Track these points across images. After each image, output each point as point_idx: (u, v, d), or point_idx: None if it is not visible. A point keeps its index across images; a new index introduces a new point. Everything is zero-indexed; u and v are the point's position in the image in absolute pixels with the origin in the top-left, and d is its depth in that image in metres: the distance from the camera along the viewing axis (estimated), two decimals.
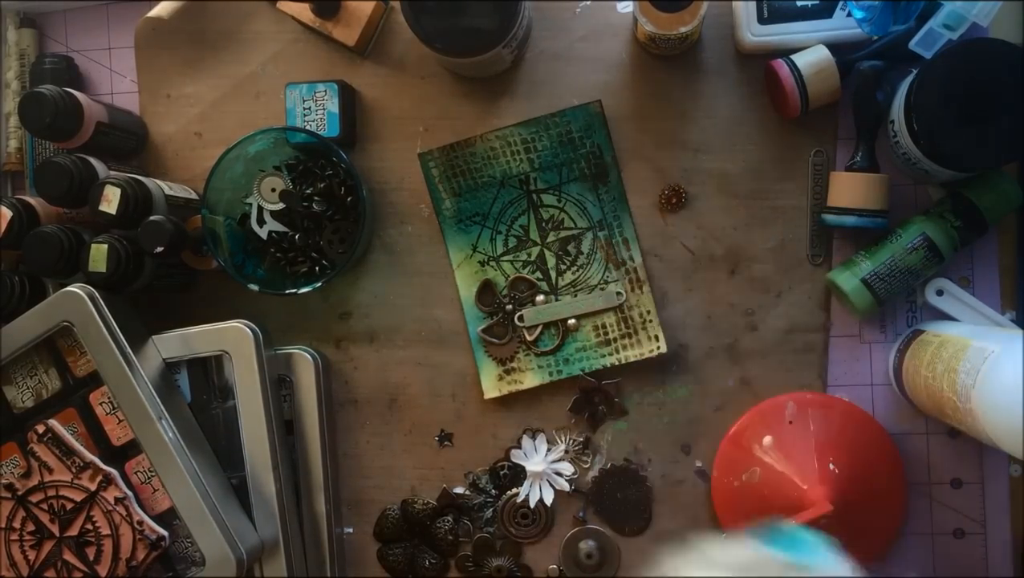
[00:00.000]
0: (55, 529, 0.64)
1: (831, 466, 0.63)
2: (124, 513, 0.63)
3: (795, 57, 0.64)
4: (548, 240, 0.70)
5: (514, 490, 0.69)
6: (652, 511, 0.69)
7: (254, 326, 0.66)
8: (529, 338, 0.69)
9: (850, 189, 0.64)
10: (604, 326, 0.69)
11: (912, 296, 0.68)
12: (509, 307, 0.70)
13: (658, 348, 0.68)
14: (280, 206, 0.68)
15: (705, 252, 0.69)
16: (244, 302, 0.71)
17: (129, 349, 0.63)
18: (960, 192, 0.64)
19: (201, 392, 0.67)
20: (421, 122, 0.71)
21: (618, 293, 0.69)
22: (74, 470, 0.64)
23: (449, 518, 0.70)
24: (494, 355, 0.70)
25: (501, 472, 0.70)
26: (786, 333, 0.68)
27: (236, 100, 0.72)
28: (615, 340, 0.69)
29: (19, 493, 0.65)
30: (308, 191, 0.69)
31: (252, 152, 0.67)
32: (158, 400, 0.63)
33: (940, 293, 0.66)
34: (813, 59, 0.63)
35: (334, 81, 0.69)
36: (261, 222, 0.69)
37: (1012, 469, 0.67)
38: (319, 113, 0.69)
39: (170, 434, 0.62)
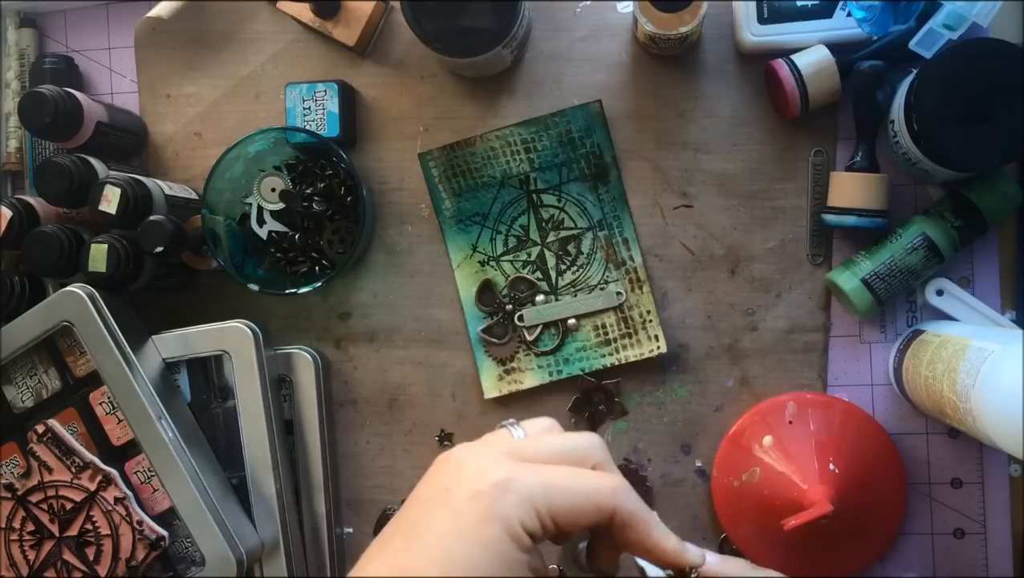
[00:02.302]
0: (55, 529, 0.64)
1: (831, 466, 0.63)
2: (124, 513, 0.63)
3: (795, 57, 0.64)
4: (548, 240, 0.70)
5: None
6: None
7: (254, 326, 0.66)
8: (529, 338, 0.69)
9: (850, 189, 0.64)
10: (604, 326, 0.69)
11: (912, 296, 0.68)
12: (509, 307, 0.70)
13: (658, 348, 0.68)
14: (280, 206, 0.68)
15: (705, 252, 0.69)
16: (244, 302, 0.71)
17: (129, 349, 0.63)
18: (960, 192, 0.64)
19: (201, 392, 0.67)
20: (421, 122, 0.71)
21: (618, 293, 0.69)
22: (74, 470, 0.64)
23: None
24: (494, 355, 0.70)
25: None
26: (786, 333, 0.68)
27: (236, 100, 0.72)
28: (615, 340, 0.69)
29: (19, 493, 0.65)
30: (308, 191, 0.69)
31: (252, 152, 0.67)
32: (158, 400, 0.63)
33: (940, 293, 0.66)
34: (813, 59, 0.63)
35: (334, 81, 0.69)
36: (261, 222, 0.69)
37: (1012, 469, 0.67)
38: (319, 113, 0.69)
39: (170, 434, 0.62)
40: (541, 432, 0.43)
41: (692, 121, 0.69)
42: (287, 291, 0.66)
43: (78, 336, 0.63)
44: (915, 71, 0.60)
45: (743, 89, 0.68)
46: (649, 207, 0.69)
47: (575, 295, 0.69)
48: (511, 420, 0.44)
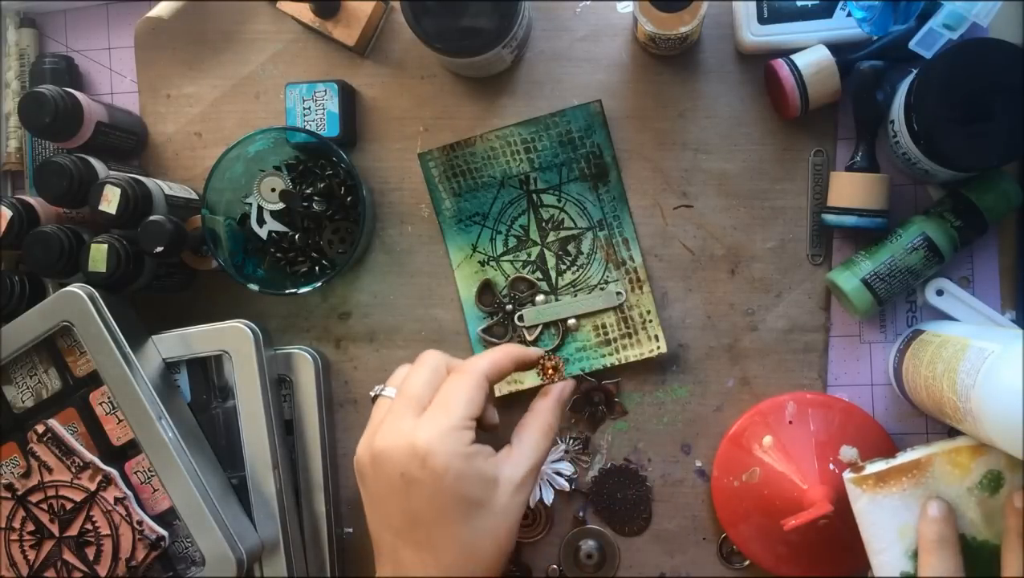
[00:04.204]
0: (55, 529, 0.64)
1: (831, 466, 0.63)
2: (124, 513, 0.63)
3: (795, 57, 0.64)
4: (548, 240, 0.70)
5: None
6: (652, 511, 0.69)
7: (254, 326, 0.66)
8: (529, 338, 0.69)
9: (850, 189, 0.64)
10: (604, 326, 0.69)
11: (912, 296, 0.68)
12: (509, 307, 0.70)
13: (658, 348, 0.68)
14: (280, 206, 0.68)
15: (705, 252, 0.69)
16: (244, 302, 0.71)
17: (129, 349, 0.63)
18: (960, 192, 0.64)
19: (201, 392, 0.67)
20: (421, 122, 0.71)
21: (618, 293, 0.69)
22: (74, 470, 0.64)
23: None
24: None
25: None
26: (786, 333, 0.68)
27: (236, 100, 0.72)
28: (615, 340, 0.69)
29: (19, 493, 0.65)
30: (308, 191, 0.69)
31: (252, 152, 0.67)
32: (158, 400, 0.63)
33: (940, 293, 0.66)
34: (813, 59, 0.63)
35: (334, 81, 0.69)
36: (261, 222, 0.69)
37: None
38: (319, 113, 0.69)
39: (170, 434, 0.62)
40: (405, 380, 0.55)
41: (692, 121, 0.69)
42: (287, 291, 0.66)
43: (78, 336, 0.63)
44: (915, 71, 0.60)
45: (743, 89, 0.68)
46: (649, 207, 0.69)
47: (575, 295, 0.69)
48: (378, 387, 0.57)
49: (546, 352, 0.60)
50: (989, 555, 0.55)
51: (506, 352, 0.57)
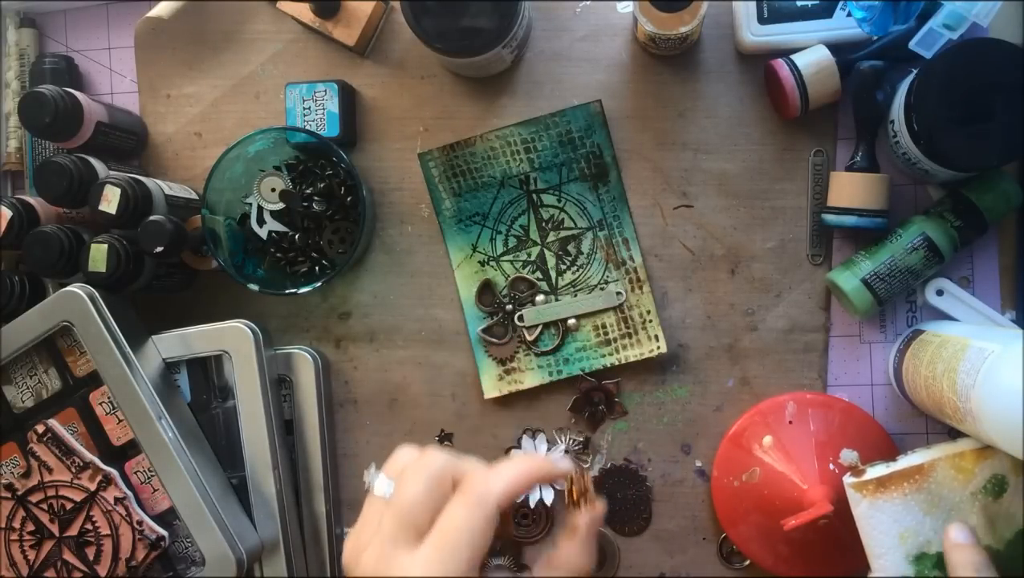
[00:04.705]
0: (55, 529, 0.64)
1: (831, 466, 0.63)
2: (124, 513, 0.63)
3: (795, 57, 0.64)
4: (548, 240, 0.70)
5: None
6: (652, 511, 0.69)
7: (254, 326, 0.66)
8: (529, 338, 0.69)
9: (850, 189, 0.64)
10: (604, 326, 0.69)
11: (912, 296, 0.68)
12: (509, 307, 0.70)
13: (658, 348, 0.68)
14: (280, 206, 0.68)
15: (705, 252, 0.69)
16: (244, 302, 0.71)
17: (129, 349, 0.63)
18: (960, 192, 0.64)
19: (201, 392, 0.67)
20: (421, 122, 0.71)
21: (618, 293, 0.69)
22: (74, 470, 0.64)
23: None
24: (494, 355, 0.70)
25: None
26: (786, 333, 0.68)
27: (236, 100, 0.72)
28: (615, 340, 0.69)
29: (19, 493, 0.65)
30: (308, 191, 0.69)
31: (252, 152, 0.67)
32: (158, 400, 0.63)
33: (940, 293, 0.66)
34: (813, 59, 0.63)
35: (334, 81, 0.69)
36: (261, 222, 0.69)
37: None
38: (319, 113, 0.69)
39: (170, 434, 0.62)
40: (401, 488, 0.44)
41: (692, 121, 0.69)
42: (287, 291, 0.66)
43: (78, 336, 0.63)
44: (915, 71, 0.60)
45: (743, 89, 0.68)
46: (649, 207, 0.69)
47: (575, 295, 0.69)
48: (373, 470, 0.46)
49: (577, 471, 0.48)
50: (991, 561, 0.55)
51: (528, 474, 0.46)
